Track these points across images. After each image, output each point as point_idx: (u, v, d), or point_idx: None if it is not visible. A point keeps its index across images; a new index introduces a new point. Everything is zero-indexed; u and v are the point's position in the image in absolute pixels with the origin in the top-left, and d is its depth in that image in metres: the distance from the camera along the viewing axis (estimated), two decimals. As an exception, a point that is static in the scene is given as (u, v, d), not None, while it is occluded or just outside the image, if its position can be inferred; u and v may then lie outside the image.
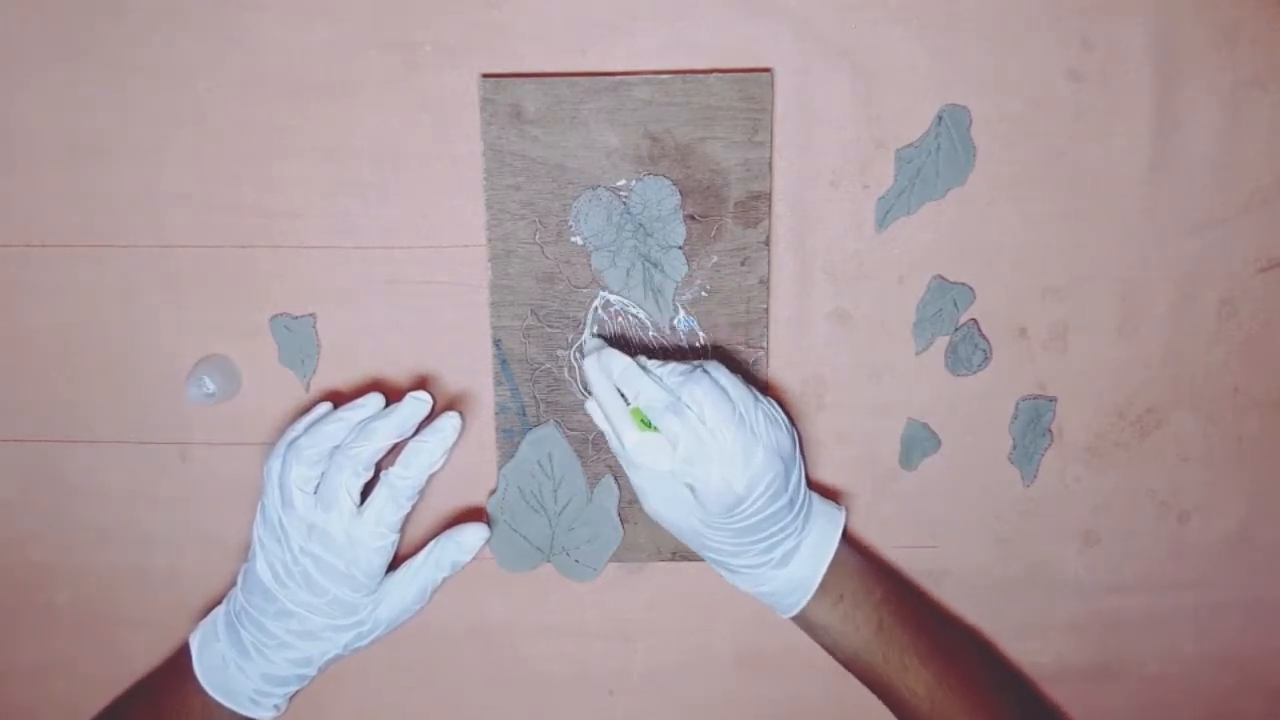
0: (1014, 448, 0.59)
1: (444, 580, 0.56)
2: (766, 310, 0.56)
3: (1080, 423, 0.59)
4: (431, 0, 0.53)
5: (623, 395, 0.52)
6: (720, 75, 0.53)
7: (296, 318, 0.58)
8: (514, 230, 0.55)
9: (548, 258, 0.56)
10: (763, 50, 0.54)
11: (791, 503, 0.52)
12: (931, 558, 0.61)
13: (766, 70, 0.54)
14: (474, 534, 0.55)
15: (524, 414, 0.58)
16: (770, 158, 0.54)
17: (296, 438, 0.52)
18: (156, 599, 0.62)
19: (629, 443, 0.51)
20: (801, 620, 0.55)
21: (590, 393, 0.53)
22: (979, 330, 0.58)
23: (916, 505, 0.60)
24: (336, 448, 0.52)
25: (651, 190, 0.54)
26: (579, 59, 0.54)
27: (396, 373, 0.58)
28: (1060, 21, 0.53)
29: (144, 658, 0.62)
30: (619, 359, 0.52)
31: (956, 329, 0.58)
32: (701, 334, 0.56)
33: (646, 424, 0.51)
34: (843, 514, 0.56)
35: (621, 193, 0.55)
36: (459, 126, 0.55)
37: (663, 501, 0.53)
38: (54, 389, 0.59)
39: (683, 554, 0.60)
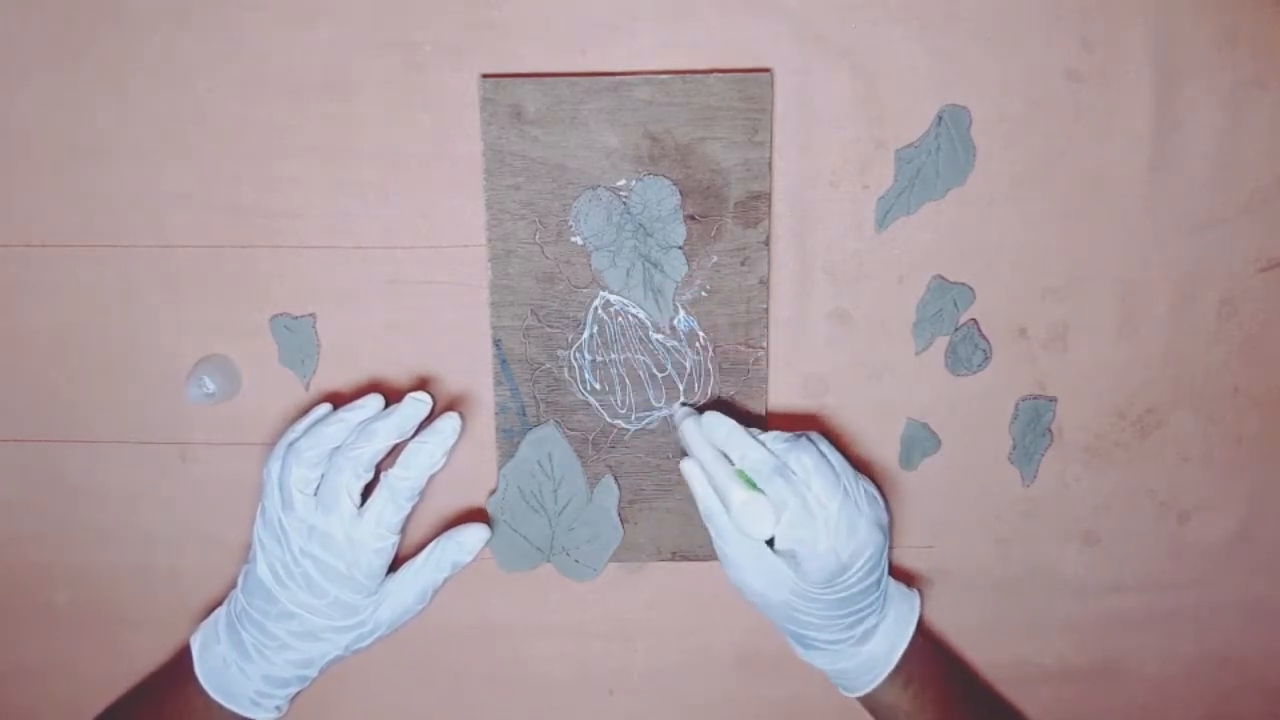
0: (1014, 448, 0.60)
1: (445, 581, 0.56)
2: (766, 310, 0.56)
3: (1080, 423, 0.59)
4: (431, 0, 0.53)
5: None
6: (720, 75, 0.53)
7: (296, 318, 0.58)
8: (514, 230, 0.55)
9: (548, 258, 0.56)
10: (763, 50, 0.54)
11: (880, 582, 0.53)
12: (931, 558, 0.61)
13: (766, 70, 0.54)
14: (475, 534, 0.55)
15: (524, 414, 0.58)
16: (770, 158, 0.54)
17: (296, 439, 0.52)
18: (156, 599, 0.62)
19: (736, 501, 0.50)
20: (869, 700, 0.56)
21: (689, 453, 0.53)
22: (979, 330, 0.58)
23: (916, 505, 0.60)
24: (337, 449, 0.52)
25: (651, 190, 0.54)
26: (579, 59, 0.54)
27: (396, 373, 0.58)
28: (1060, 21, 0.53)
29: (144, 658, 0.62)
30: (724, 421, 0.52)
31: (956, 329, 0.58)
32: (701, 334, 0.56)
33: (751, 485, 0.51)
34: (918, 596, 0.57)
35: (621, 193, 0.55)
36: (459, 126, 0.55)
37: (756, 572, 0.52)
38: (54, 389, 0.59)
39: (683, 554, 0.60)
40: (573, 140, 0.54)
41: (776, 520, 0.50)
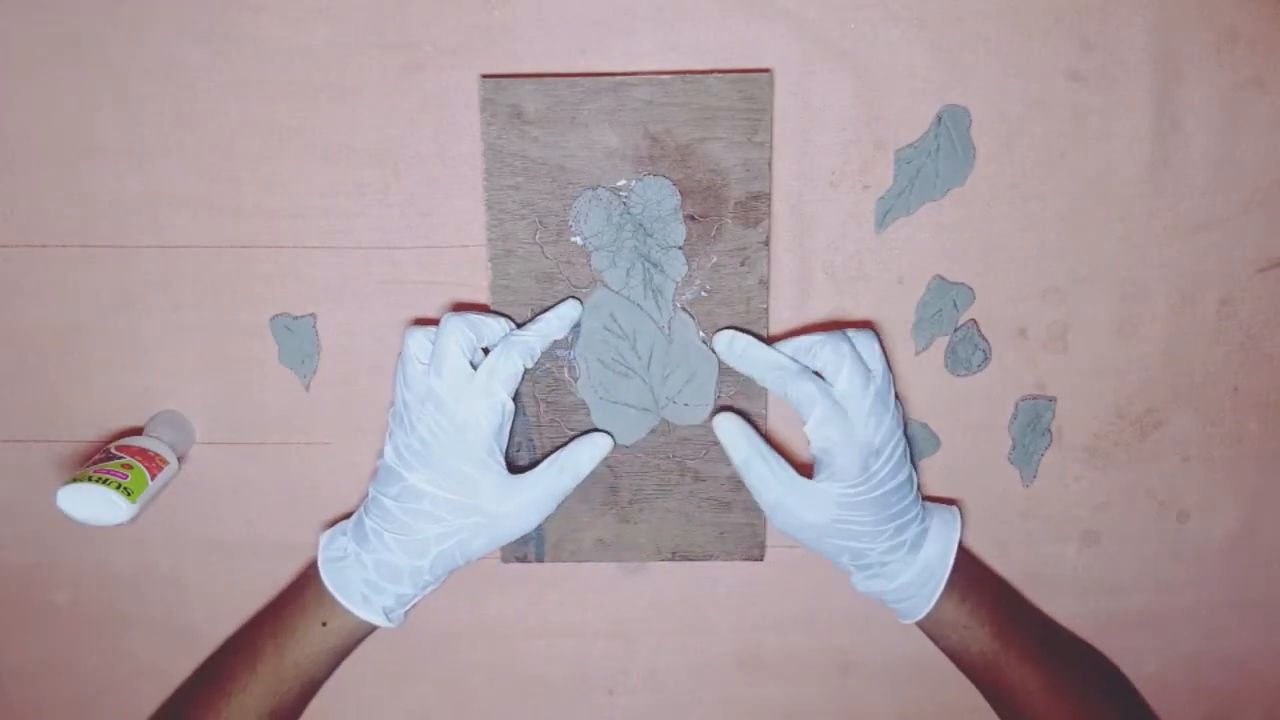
0: (1014, 448, 0.60)
1: (565, 491, 0.55)
2: (766, 310, 0.56)
3: (1080, 423, 0.59)
4: (431, 0, 0.53)
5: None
6: (720, 75, 0.53)
7: (296, 318, 0.58)
8: (514, 230, 0.55)
9: (548, 258, 0.56)
10: (763, 50, 0.54)
11: (911, 481, 0.54)
12: (931, 558, 0.61)
13: (766, 70, 0.54)
14: (594, 442, 0.56)
15: (524, 414, 0.58)
16: (770, 158, 0.54)
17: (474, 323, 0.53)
18: (156, 599, 0.62)
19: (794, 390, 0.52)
20: (929, 621, 0.55)
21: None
22: (979, 330, 0.58)
23: (916, 505, 0.60)
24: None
25: (651, 190, 0.54)
26: (579, 59, 0.54)
27: (396, 373, 0.58)
28: (1060, 21, 0.53)
29: (144, 658, 0.62)
30: (738, 338, 0.55)
31: (956, 329, 0.58)
32: (701, 333, 0.56)
33: None
34: (957, 510, 0.57)
35: (621, 193, 0.55)
36: (459, 126, 0.55)
37: (800, 504, 0.53)
38: (54, 389, 0.59)
39: (683, 554, 0.60)
40: (573, 140, 0.54)
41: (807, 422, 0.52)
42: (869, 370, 0.52)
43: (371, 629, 0.55)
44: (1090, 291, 0.57)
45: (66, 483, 0.53)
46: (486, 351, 0.53)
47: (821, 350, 0.52)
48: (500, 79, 0.53)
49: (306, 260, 0.57)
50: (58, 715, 0.65)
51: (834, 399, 0.52)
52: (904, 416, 0.56)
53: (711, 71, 0.54)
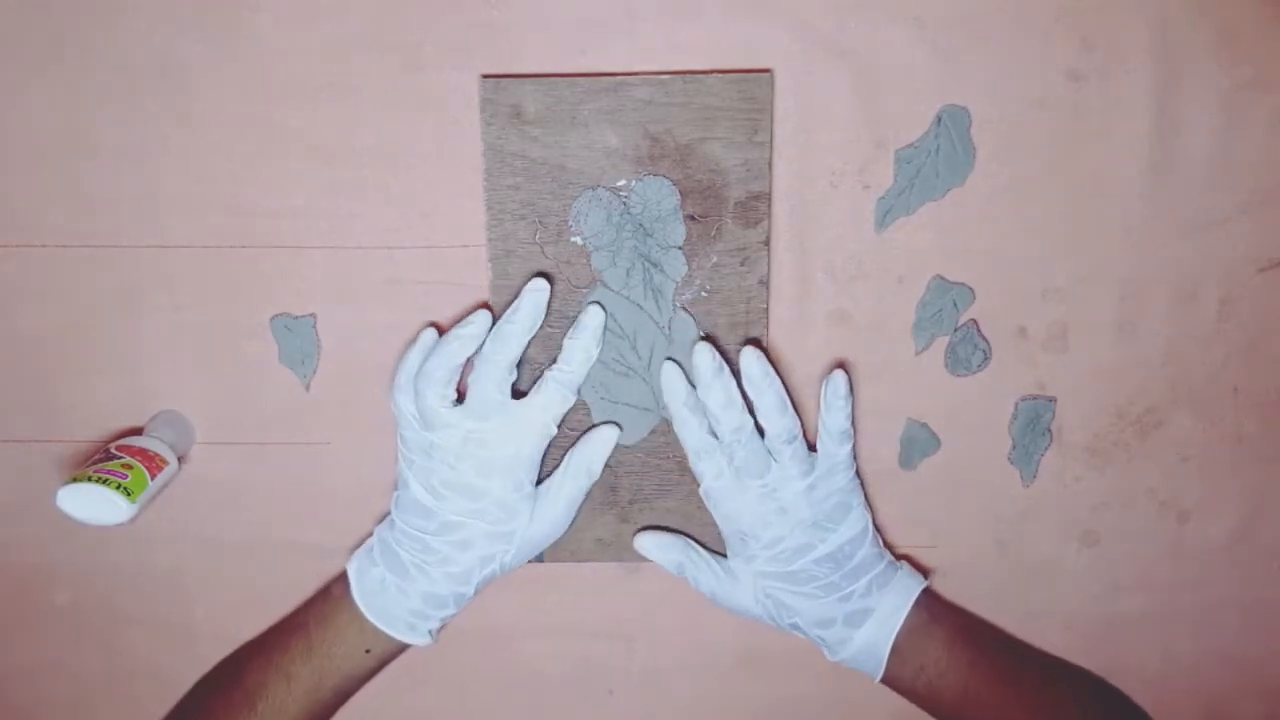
0: (1013, 448, 0.60)
1: (585, 492, 0.56)
2: (766, 310, 0.56)
3: (1080, 423, 0.59)
4: (431, 0, 0.53)
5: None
6: (720, 75, 0.53)
7: (296, 318, 0.58)
8: (514, 230, 0.55)
9: (548, 258, 0.56)
10: (763, 50, 0.54)
11: (838, 558, 0.55)
12: (931, 558, 0.61)
13: (766, 71, 0.54)
14: (603, 437, 0.57)
15: (524, 414, 0.58)
16: (770, 158, 0.54)
17: (420, 366, 0.54)
18: (156, 599, 0.62)
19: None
20: (889, 683, 0.56)
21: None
22: (978, 330, 0.58)
23: (916, 505, 0.60)
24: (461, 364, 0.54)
25: (651, 190, 0.54)
26: (579, 59, 0.54)
27: (396, 373, 0.58)
28: (1060, 21, 0.53)
29: (144, 658, 0.62)
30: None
31: (956, 329, 0.58)
32: (700, 331, 0.56)
33: None
34: (919, 583, 0.57)
35: (621, 193, 0.55)
36: (459, 126, 0.55)
37: (728, 589, 0.57)
38: (54, 389, 0.59)
39: (683, 554, 0.60)
40: (573, 140, 0.54)
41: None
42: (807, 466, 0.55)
43: (410, 645, 0.57)
44: (1090, 291, 0.57)
45: (66, 483, 0.53)
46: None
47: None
48: (500, 79, 0.53)
49: (306, 260, 0.57)
50: (58, 715, 0.65)
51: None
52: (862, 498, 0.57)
53: (711, 71, 0.54)
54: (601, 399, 0.57)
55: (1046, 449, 0.60)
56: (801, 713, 0.64)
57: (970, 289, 0.57)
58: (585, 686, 0.64)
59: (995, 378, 0.58)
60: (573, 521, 0.57)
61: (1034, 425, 0.59)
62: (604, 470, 0.58)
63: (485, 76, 0.53)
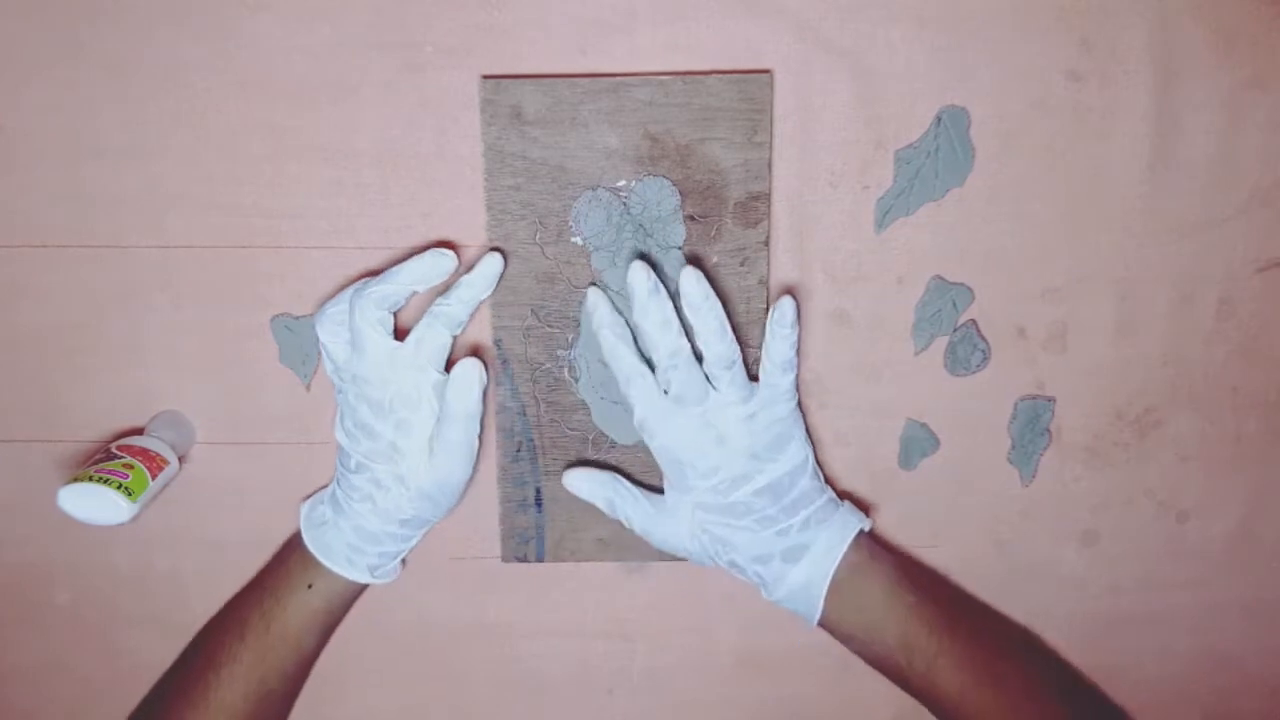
0: (1013, 448, 0.60)
1: (473, 433, 0.53)
2: (766, 310, 0.56)
3: (1079, 423, 0.59)
4: (431, 0, 0.53)
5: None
6: (720, 76, 0.53)
7: (296, 318, 0.58)
8: (514, 230, 0.55)
9: (548, 258, 0.56)
10: (763, 50, 0.54)
11: (777, 489, 0.54)
12: (931, 558, 0.61)
13: (766, 71, 0.54)
14: (464, 372, 0.52)
15: (524, 414, 0.58)
16: (770, 158, 0.54)
17: (325, 309, 0.54)
18: (156, 599, 0.62)
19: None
20: (826, 627, 0.55)
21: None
22: (978, 331, 0.58)
23: (916, 505, 0.60)
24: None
25: (651, 191, 0.54)
26: (579, 59, 0.54)
27: (396, 373, 0.58)
28: (1060, 21, 0.53)
29: (144, 658, 0.62)
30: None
31: (955, 329, 0.58)
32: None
33: None
34: (860, 521, 0.56)
35: (621, 193, 0.55)
36: (459, 126, 0.55)
37: (662, 523, 0.56)
38: (54, 389, 0.59)
39: (682, 554, 0.60)
40: (573, 141, 0.54)
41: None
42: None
43: (359, 590, 0.57)
44: (1090, 291, 0.57)
45: (67, 483, 0.53)
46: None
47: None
48: (500, 79, 0.53)
49: (306, 260, 0.57)
50: (58, 715, 0.65)
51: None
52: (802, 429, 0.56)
53: (711, 72, 0.54)
54: (601, 399, 0.57)
55: (1046, 449, 0.60)
56: (801, 713, 0.64)
57: (969, 289, 0.57)
58: (585, 686, 0.64)
59: (994, 378, 0.58)
60: (473, 465, 0.54)
61: (1033, 425, 0.59)
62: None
63: (485, 77, 0.53)
